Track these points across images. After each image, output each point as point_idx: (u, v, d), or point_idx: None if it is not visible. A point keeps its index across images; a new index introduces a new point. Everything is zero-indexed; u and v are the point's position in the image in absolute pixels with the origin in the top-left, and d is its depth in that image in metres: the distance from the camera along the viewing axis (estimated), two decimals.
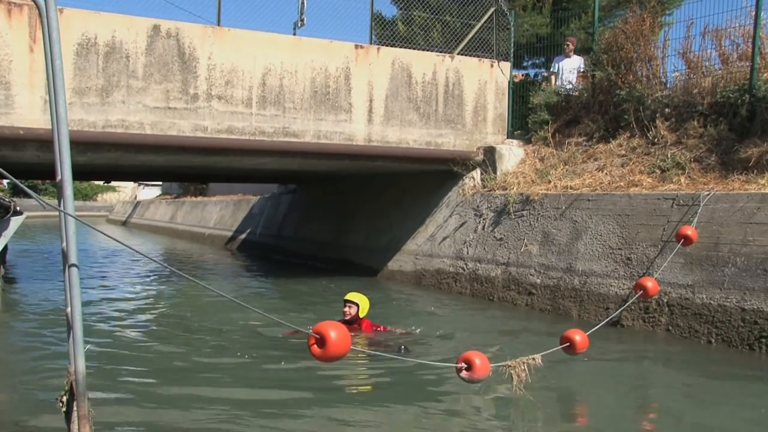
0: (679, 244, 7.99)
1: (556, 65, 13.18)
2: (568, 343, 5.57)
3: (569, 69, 12.88)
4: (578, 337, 5.56)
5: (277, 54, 11.04)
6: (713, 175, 9.04)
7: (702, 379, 6.34)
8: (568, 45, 13.01)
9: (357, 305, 7.50)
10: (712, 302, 7.64)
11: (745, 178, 8.53)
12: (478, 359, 4.67)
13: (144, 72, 10.09)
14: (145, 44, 10.10)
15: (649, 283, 7.46)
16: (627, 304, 8.22)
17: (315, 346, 3.44)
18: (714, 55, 10.43)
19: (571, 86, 12.78)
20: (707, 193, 8.44)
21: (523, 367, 5.10)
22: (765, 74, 9.28)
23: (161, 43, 10.21)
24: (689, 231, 7.92)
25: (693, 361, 7.02)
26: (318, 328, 3.43)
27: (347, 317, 7.42)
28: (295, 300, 11.40)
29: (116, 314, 9.57)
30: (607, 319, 7.72)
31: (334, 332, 3.40)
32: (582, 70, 12.77)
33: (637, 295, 7.62)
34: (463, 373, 4.69)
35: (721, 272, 7.71)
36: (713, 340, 7.49)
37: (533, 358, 5.21)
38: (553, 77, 13.24)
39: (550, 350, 5.59)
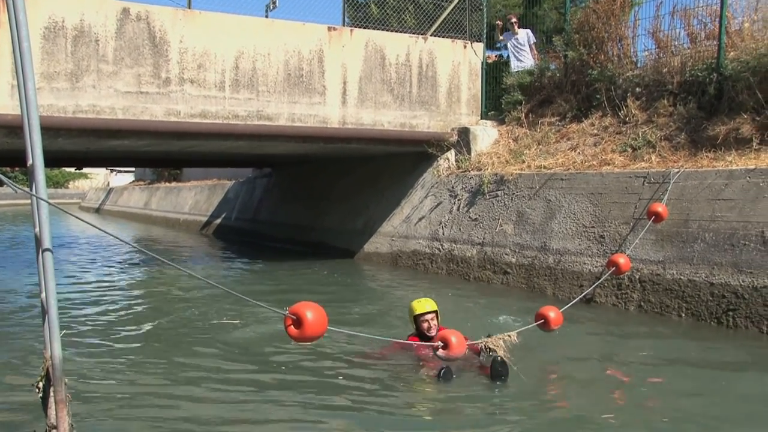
0: (650, 221, 8.12)
1: (509, 44, 13.45)
2: (542, 320, 5.69)
3: (520, 45, 13.10)
4: (552, 313, 5.67)
5: (249, 37, 10.95)
6: (683, 153, 9.18)
7: (673, 353, 6.48)
8: (514, 23, 13.17)
9: (437, 313, 5.78)
10: (682, 278, 7.79)
11: (714, 155, 8.68)
12: (455, 338, 4.74)
13: (114, 56, 9.96)
14: (115, 28, 9.97)
15: (621, 260, 7.59)
16: (600, 281, 8.35)
17: (291, 327, 3.45)
18: (683, 34, 10.56)
19: (530, 62, 12.97)
20: (677, 170, 8.58)
21: (499, 344, 5.21)
22: (732, 53, 9.42)
23: (131, 27, 10.08)
24: (660, 208, 8.05)
25: (664, 335, 7.17)
26: (294, 309, 3.43)
27: (432, 331, 5.61)
28: (276, 283, 11.41)
29: (90, 301, 9.51)
30: (581, 296, 7.85)
31: (311, 313, 3.40)
32: (533, 42, 13.01)
33: (609, 272, 7.75)
34: (440, 352, 4.77)
35: (690, 248, 7.86)
36: (683, 315, 7.66)
37: (509, 335, 5.31)
38: (507, 58, 13.50)
39: (526, 327, 5.70)
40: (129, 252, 17.42)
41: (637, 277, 8.27)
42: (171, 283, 11.46)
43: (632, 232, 8.59)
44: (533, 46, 13.25)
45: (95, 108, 9.84)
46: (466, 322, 7.43)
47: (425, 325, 5.66)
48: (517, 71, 13.06)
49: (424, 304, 5.75)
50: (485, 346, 5.22)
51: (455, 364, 5.20)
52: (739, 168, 7.94)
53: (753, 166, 7.82)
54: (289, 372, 5.74)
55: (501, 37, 13.72)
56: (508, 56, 14.02)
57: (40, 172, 2.86)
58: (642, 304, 8.17)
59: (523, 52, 13.17)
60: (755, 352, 6.33)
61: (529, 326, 5.71)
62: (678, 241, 8.04)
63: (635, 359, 6.22)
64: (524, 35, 13.14)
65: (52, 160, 17.74)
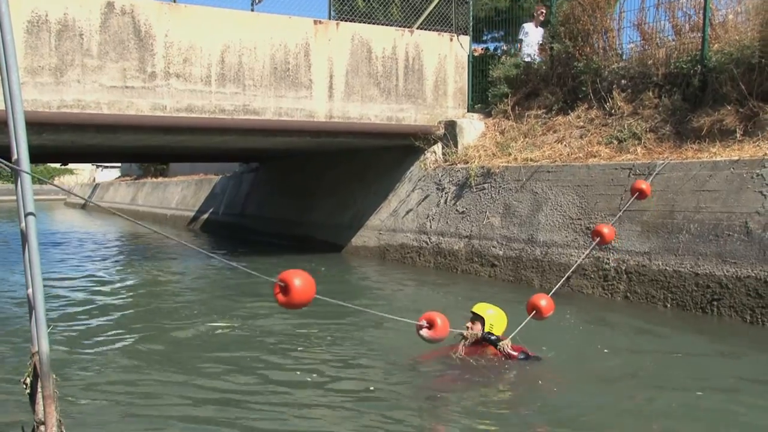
0: (633, 197, 8.08)
1: (523, 31, 13.07)
2: (534, 311, 5.62)
3: (535, 40, 12.88)
4: (544, 302, 5.61)
5: (235, 31, 10.91)
6: (668, 145, 9.25)
7: (658, 342, 6.54)
8: (542, 13, 12.85)
9: (482, 320, 5.46)
10: (667, 268, 7.86)
11: (698, 146, 8.75)
12: (440, 320, 4.77)
13: (99, 50, 9.89)
14: (99, 22, 9.89)
15: (606, 230, 7.54)
16: (587, 252, 8.20)
17: (279, 294, 3.51)
18: (668, 26, 10.61)
19: (535, 57, 12.81)
20: (662, 162, 8.64)
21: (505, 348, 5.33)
22: (715, 45, 9.48)
23: (116, 21, 10.01)
24: (644, 185, 8.03)
25: (651, 325, 7.23)
26: (283, 276, 3.50)
27: (466, 336, 5.42)
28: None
29: (78, 296, 9.47)
30: (570, 272, 7.83)
31: (299, 280, 3.47)
32: (541, 42, 12.83)
33: (595, 243, 7.68)
34: (423, 331, 4.76)
35: (675, 239, 7.93)
36: (669, 305, 7.73)
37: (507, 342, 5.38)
38: (519, 44, 13.16)
39: (522, 324, 5.56)
40: (116, 247, 17.36)
41: (623, 268, 8.33)
42: (159, 278, 11.43)
43: (618, 223, 8.63)
44: (539, 45, 12.95)
45: (80, 103, 9.78)
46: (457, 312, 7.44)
47: (468, 324, 5.46)
48: (504, 64, 12.95)
49: (475, 306, 5.60)
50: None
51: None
52: (724, 159, 8.01)
53: (737, 158, 7.89)
54: (301, 370, 5.75)
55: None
56: (501, 49, 13.86)
57: (26, 167, 2.84)
58: (628, 294, 8.23)
59: (535, 47, 12.89)
60: (737, 341, 6.41)
61: (524, 322, 5.61)
62: (663, 232, 8.11)
63: (621, 349, 6.27)
64: (541, 32, 12.87)
65: (37, 155, 17.62)
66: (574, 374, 5.47)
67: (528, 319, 5.65)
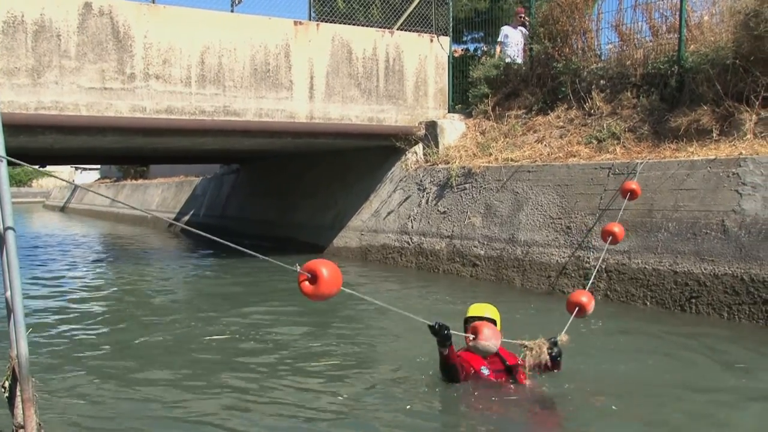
0: (626, 199, 8.20)
1: (503, 34, 13.15)
2: (577, 308, 5.44)
3: (516, 41, 12.97)
4: (585, 298, 5.51)
5: (215, 31, 10.87)
6: (646, 144, 9.35)
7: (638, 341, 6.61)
8: (521, 16, 12.99)
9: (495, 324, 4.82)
10: (647, 266, 7.95)
11: (676, 146, 8.86)
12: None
13: (77, 51, 9.81)
14: (77, 23, 9.81)
15: (616, 228, 7.62)
16: (604, 252, 8.16)
17: (306, 282, 3.40)
18: (645, 27, 10.74)
19: (516, 59, 12.88)
20: (641, 161, 8.73)
21: (539, 351, 4.70)
22: (692, 46, 9.61)
23: (94, 22, 9.93)
24: (634, 185, 8.17)
25: (630, 323, 7.30)
26: (310, 265, 3.41)
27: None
28: (250, 280, 11.36)
29: (58, 299, 9.38)
30: (595, 271, 7.81)
31: (327, 270, 3.38)
32: (523, 42, 12.90)
33: (608, 242, 7.73)
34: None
35: (654, 237, 8.02)
36: (648, 303, 7.82)
37: (561, 339, 4.85)
38: (498, 46, 13.24)
39: (568, 323, 5.27)
40: (97, 249, 17.21)
41: (603, 267, 8.40)
42: (140, 280, 11.35)
43: (599, 222, 8.72)
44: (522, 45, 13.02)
45: (58, 104, 9.69)
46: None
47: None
48: (484, 65, 13.02)
49: (481, 308, 4.97)
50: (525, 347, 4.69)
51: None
52: (701, 158, 8.12)
53: (713, 157, 7.99)
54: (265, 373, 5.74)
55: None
56: (482, 50, 13.96)
57: (3, 166, 2.82)
58: (608, 293, 8.31)
59: (517, 48, 12.94)
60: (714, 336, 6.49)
61: (570, 320, 5.33)
62: (642, 230, 8.19)
63: (602, 348, 6.32)
64: (521, 33, 12.93)
65: (14, 157, 17.39)
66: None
67: (572, 318, 5.35)
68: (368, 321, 7.67)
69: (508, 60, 12.85)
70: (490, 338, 4.45)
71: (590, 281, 7.60)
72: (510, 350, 4.88)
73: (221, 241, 3.42)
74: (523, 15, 12.95)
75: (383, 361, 5.96)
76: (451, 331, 4.47)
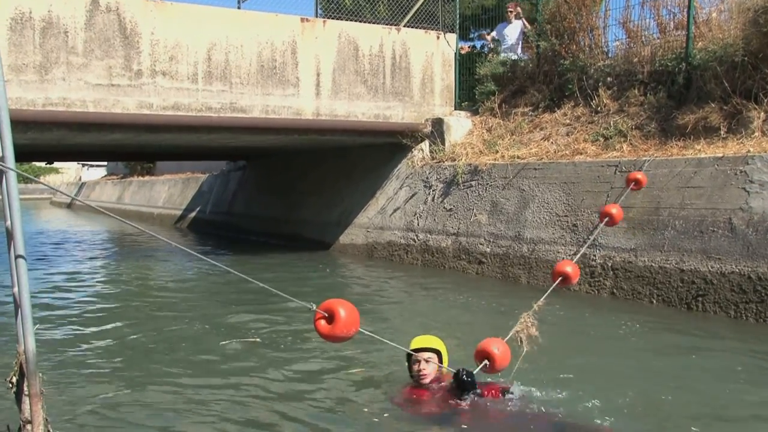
0: (629, 188, 8.17)
1: (497, 32, 13.33)
2: (561, 278, 5.54)
3: (512, 35, 13.00)
4: (569, 268, 5.58)
5: (222, 28, 10.88)
6: (653, 142, 9.32)
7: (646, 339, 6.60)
8: (510, 12, 13.08)
9: (438, 353, 4.49)
10: (653, 264, 7.93)
11: (683, 143, 8.83)
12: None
13: (84, 48, 9.84)
14: (84, 19, 9.84)
15: (614, 210, 7.60)
16: (596, 231, 8.27)
17: (323, 322, 3.20)
18: (653, 24, 10.70)
19: (520, 54, 12.91)
20: (648, 159, 8.70)
21: (529, 323, 4.72)
22: (699, 43, 9.56)
23: (101, 18, 9.96)
24: (639, 175, 8.13)
25: (637, 321, 7.28)
26: (328, 305, 3.22)
27: (426, 378, 4.40)
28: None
29: (65, 295, 9.42)
30: (583, 248, 7.89)
31: (344, 310, 3.18)
32: (524, 32, 12.92)
33: (603, 222, 7.70)
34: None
35: (661, 235, 7.99)
36: (654, 301, 7.80)
37: (537, 305, 4.92)
38: (491, 42, 13.33)
39: (548, 291, 5.40)
40: (104, 246, 17.27)
41: (610, 264, 8.39)
42: (147, 277, 11.38)
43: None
44: (523, 38, 13.08)
45: (65, 101, 9.72)
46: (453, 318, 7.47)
47: (416, 367, 4.42)
48: (491, 62, 13.05)
49: (427, 340, 4.56)
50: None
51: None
52: (708, 156, 8.09)
53: (721, 154, 7.96)
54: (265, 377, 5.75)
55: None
56: (488, 47, 14.01)
57: (11, 164, 2.83)
58: (615, 291, 8.29)
59: (516, 44, 13.02)
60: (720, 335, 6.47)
61: (551, 288, 5.46)
62: (649, 228, 8.17)
63: (610, 345, 6.32)
64: (518, 26, 12.97)
65: (22, 154, 17.50)
66: (555, 370, 5.51)
67: (554, 285, 5.47)
68: (390, 324, 7.66)
69: (505, 54, 12.90)
70: (507, 355, 4.24)
71: (579, 253, 7.61)
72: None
73: (240, 275, 3.26)
74: (512, 9, 13.02)
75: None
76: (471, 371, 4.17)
